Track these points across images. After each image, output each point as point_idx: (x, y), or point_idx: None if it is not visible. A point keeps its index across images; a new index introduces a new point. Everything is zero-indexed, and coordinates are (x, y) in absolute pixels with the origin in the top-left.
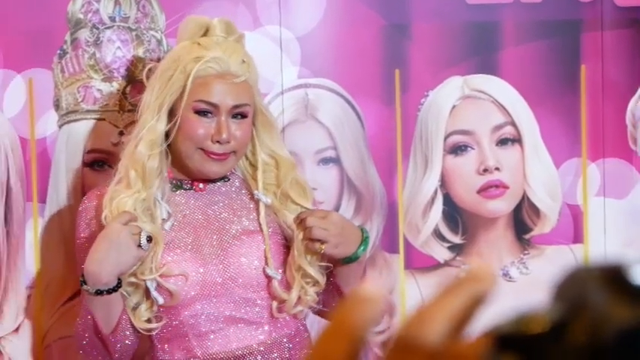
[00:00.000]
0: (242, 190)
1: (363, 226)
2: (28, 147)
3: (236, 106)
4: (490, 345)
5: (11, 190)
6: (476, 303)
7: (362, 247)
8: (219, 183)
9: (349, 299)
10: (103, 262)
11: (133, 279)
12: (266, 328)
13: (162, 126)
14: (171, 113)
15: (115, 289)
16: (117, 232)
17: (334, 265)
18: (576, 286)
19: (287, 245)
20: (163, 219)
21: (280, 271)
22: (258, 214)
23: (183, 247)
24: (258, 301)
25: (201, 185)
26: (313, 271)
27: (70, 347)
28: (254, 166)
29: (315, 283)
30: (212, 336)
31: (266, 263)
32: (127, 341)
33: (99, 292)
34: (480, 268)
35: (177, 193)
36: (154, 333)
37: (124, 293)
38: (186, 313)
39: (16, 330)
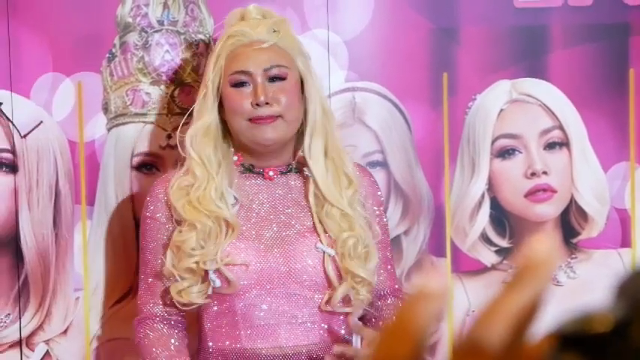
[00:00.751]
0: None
1: (410, 229)
2: (76, 150)
3: (269, 69)
4: (553, 345)
5: (60, 193)
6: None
7: None
8: (287, 176)
9: (410, 298)
10: None
11: (193, 266)
12: (318, 329)
13: (213, 111)
14: (220, 99)
15: None
16: None
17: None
18: (638, 286)
19: None
20: (231, 204)
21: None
22: None
23: (247, 236)
24: (313, 300)
25: (271, 173)
26: (363, 273)
27: (117, 349)
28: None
29: (367, 283)
30: (263, 330)
31: (320, 240)
32: None
33: None
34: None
35: (248, 183)
36: (189, 309)
37: (177, 278)
38: (240, 303)
39: (65, 332)
